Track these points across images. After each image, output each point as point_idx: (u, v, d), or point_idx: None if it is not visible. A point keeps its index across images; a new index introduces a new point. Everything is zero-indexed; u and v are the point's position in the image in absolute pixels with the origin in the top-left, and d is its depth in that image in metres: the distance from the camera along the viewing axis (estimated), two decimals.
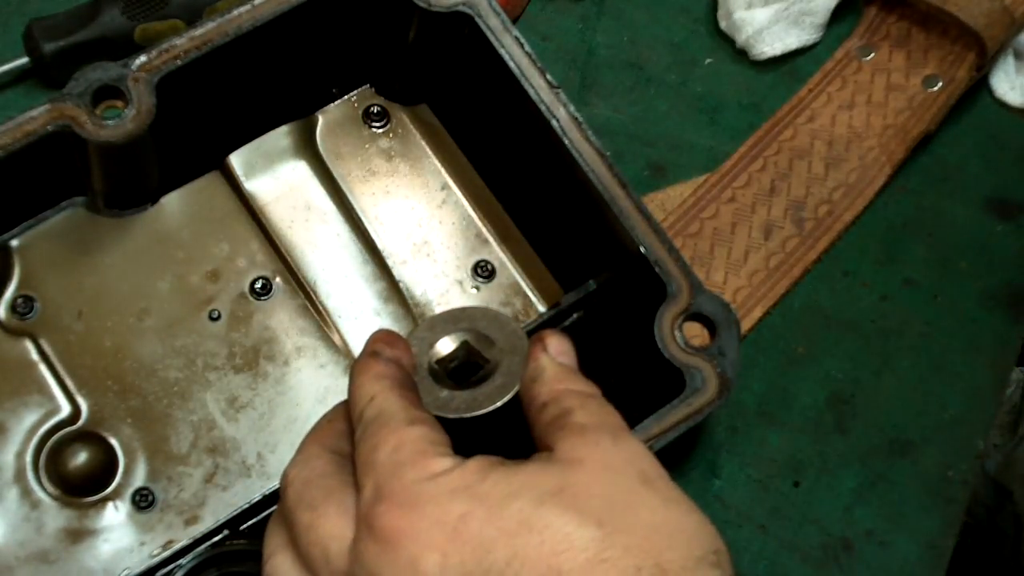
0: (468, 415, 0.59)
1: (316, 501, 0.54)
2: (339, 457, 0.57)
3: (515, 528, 0.50)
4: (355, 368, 0.59)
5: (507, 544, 0.50)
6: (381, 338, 0.61)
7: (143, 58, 0.70)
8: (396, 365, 0.59)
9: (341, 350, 0.77)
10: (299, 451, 0.58)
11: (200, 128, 0.76)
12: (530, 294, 0.80)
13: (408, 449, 0.53)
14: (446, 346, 0.62)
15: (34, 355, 0.74)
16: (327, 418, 0.60)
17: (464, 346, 0.62)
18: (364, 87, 0.82)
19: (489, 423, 0.59)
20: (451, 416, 0.59)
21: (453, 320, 0.63)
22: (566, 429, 0.55)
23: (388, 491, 0.52)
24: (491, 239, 0.80)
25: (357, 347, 0.77)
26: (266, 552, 0.57)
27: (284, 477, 0.57)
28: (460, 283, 0.79)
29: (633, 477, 0.53)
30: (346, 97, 0.82)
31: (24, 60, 0.84)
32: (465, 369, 0.62)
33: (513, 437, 0.58)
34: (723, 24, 0.92)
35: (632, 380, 0.71)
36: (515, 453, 0.56)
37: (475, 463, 0.53)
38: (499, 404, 0.59)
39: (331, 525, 0.53)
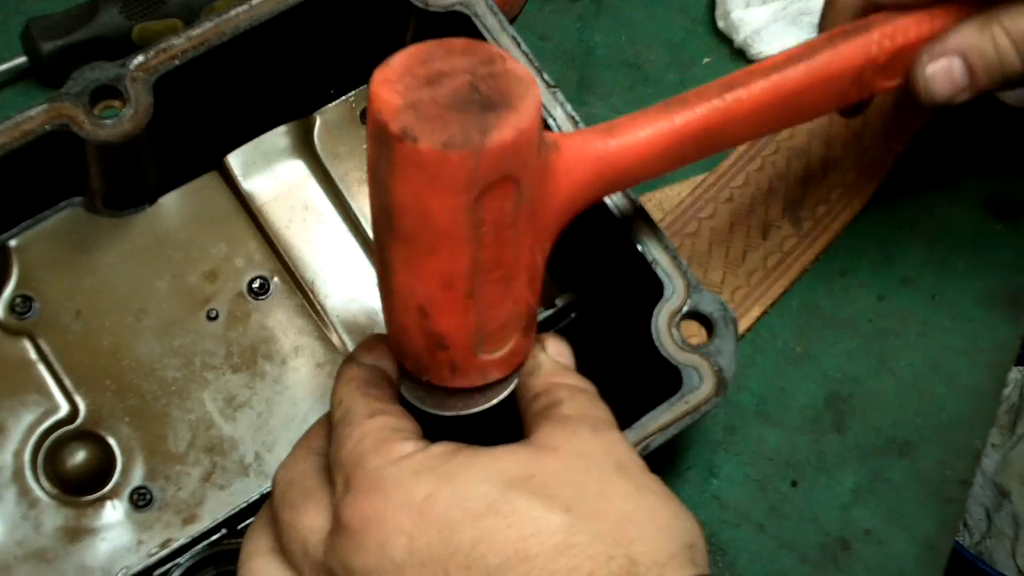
0: (464, 413, 0.59)
1: (296, 500, 0.55)
2: (324, 458, 0.58)
3: (482, 511, 0.50)
4: (336, 375, 0.60)
5: (473, 526, 0.50)
6: (363, 343, 0.62)
7: (141, 58, 0.70)
8: (369, 368, 0.60)
9: (339, 349, 0.77)
10: (289, 454, 0.60)
11: (198, 128, 0.76)
12: None
13: (370, 439, 0.54)
14: None
15: (32, 354, 0.74)
16: (319, 421, 0.62)
17: None
18: (362, 87, 0.82)
19: (485, 421, 0.59)
20: (447, 414, 0.59)
21: None
22: (550, 419, 0.56)
23: (354, 482, 0.53)
24: None
25: (354, 346, 0.77)
26: (244, 554, 0.58)
27: (273, 479, 0.58)
28: None
29: (608, 465, 0.53)
30: (344, 97, 0.82)
31: (22, 59, 0.85)
32: None
33: (509, 437, 0.58)
34: (721, 24, 0.92)
35: (629, 379, 0.71)
36: None
37: (440, 445, 0.54)
38: (495, 402, 0.59)
39: (308, 520, 0.54)
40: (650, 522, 0.52)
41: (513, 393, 0.60)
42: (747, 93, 0.63)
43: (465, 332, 0.56)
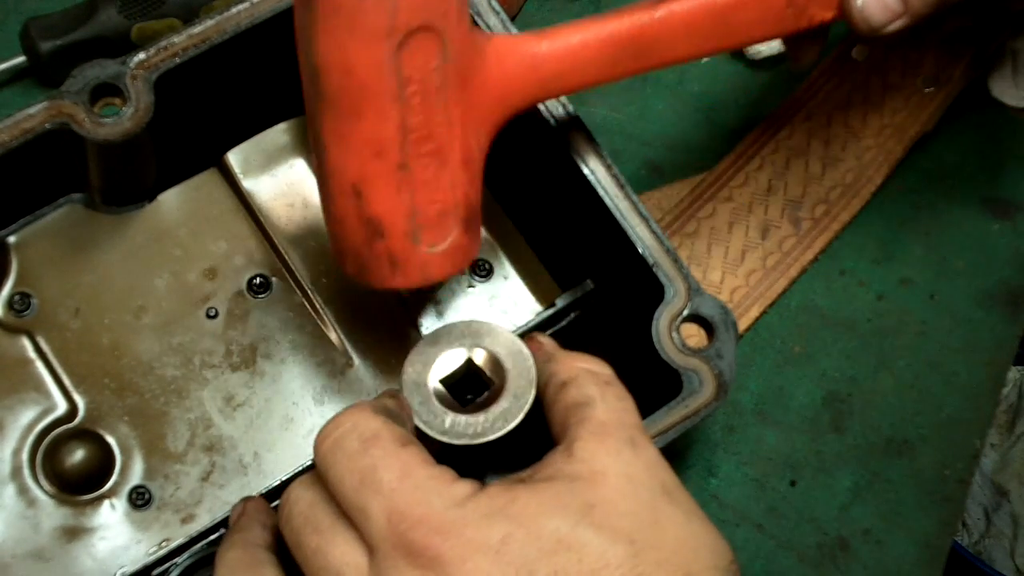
0: (474, 442, 0.59)
1: (323, 526, 0.54)
2: None
3: (554, 547, 0.51)
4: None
5: (548, 563, 0.51)
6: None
7: (141, 56, 0.70)
8: (376, 401, 0.59)
9: (338, 348, 0.77)
10: (305, 475, 0.58)
11: (198, 125, 0.76)
12: (528, 293, 0.80)
13: (421, 474, 0.53)
14: (449, 364, 0.62)
15: (31, 352, 0.74)
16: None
17: (468, 364, 0.62)
18: None
19: (491, 447, 0.59)
20: (456, 443, 0.59)
21: (458, 336, 0.62)
22: (585, 425, 0.56)
23: (419, 517, 0.52)
24: (489, 238, 0.80)
25: (355, 345, 0.77)
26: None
27: (288, 494, 0.57)
28: (457, 281, 0.79)
29: (655, 490, 0.54)
30: None
31: (21, 59, 0.85)
32: (468, 386, 0.62)
33: (510, 458, 0.58)
34: None
35: (629, 381, 0.71)
36: (510, 470, 0.56)
37: (496, 487, 0.54)
38: (505, 431, 0.59)
39: (341, 551, 0.53)
40: (701, 546, 0.54)
41: (526, 417, 0.59)
42: (679, 6, 0.64)
43: (400, 213, 0.56)
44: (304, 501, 0.56)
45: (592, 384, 0.58)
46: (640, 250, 0.69)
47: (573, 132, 0.72)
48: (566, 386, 0.58)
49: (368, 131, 0.54)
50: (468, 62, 0.57)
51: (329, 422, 0.56)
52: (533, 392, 0.60)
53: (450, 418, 0.59)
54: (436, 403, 0.60)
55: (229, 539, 0.60)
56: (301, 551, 0.55)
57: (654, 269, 0.69)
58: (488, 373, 0.61)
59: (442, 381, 0.61)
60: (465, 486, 0.53)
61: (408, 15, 0.52)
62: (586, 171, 0.71)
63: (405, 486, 0.53)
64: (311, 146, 0.59)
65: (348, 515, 0.54)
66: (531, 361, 0.61)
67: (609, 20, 0.64)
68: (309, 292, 0.78)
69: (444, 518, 0.52)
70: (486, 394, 0.60)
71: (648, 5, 0.64)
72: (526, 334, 0.64)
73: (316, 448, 0.56)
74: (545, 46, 0.62)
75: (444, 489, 0.53)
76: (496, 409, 0.59)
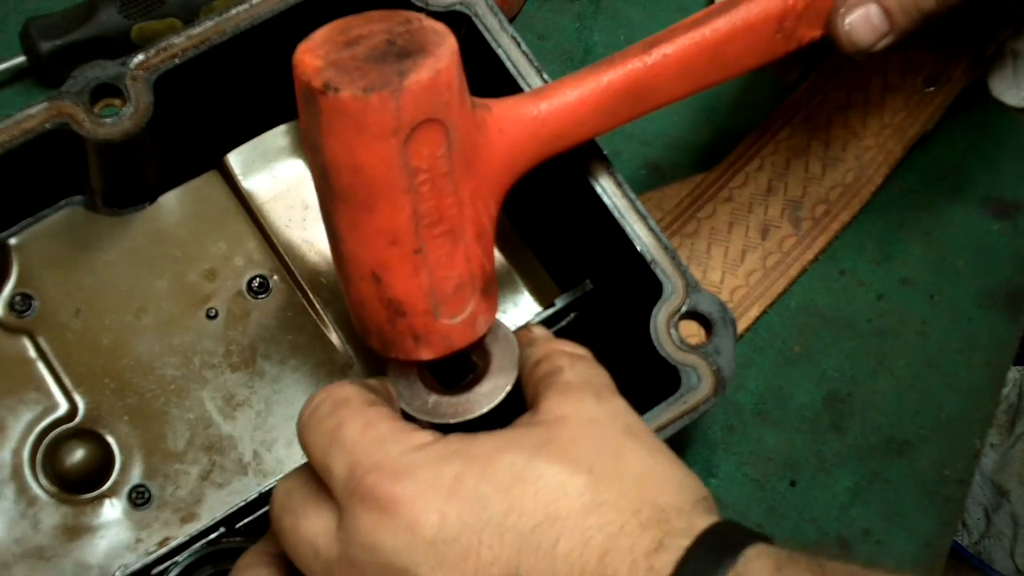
0: (453, 421, 0.59)
1: (295, 505, 0.55)
2: None
3: (509, 481, 0.51)
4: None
5: (503, 497, 0.51)
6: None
7: (141, 56, 0.70)
8: (360, 381, 0.60)
9: (338, 348, 0.77)
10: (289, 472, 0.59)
11: (198, 127, 0.76)
12: (527, 293, 0.80)
13: (383, 427, 0.54)
14: None
15: (32, 352, 0.75)
16: None
17: None
18: None
19: (475, 426, 0.59)
20: (437, 421, 0.59)
21: None
22: (553, 387, 0.57)
23: (374, 464, 0.52)
24: None
25: (355, 345, 0.77)
26: (237, 565, 0.59)
27: (272, 491, 0.58)
28: None
29: (618, 429, 0.54)
30: None
31: (21, 59, 0.85)
32: (454, 369, 0.62)
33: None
34: None
35: (628, 379, 0.71)
36: None
37: (456, 434, 0.54)
38: (484, 411, 0.60)
39: (312, 523, 0.54)
40: (667, 480, 0.53)
41: (504, 401, 0.60)
42: (671, 48, 0.65)
43: (420, 293, 0.57)
44: (281, 491, 0.57)
45: (563, 358, 0.59)
46: (638, 248, 0.69)
47: None
48: (539, 363, 0.59)
49: (382, 222, 0.55)
50: (472, 141, 0.58)
51: (309, 398, 0.57)
52: (514, 374, 0.60)
53: (433, 398, 0.60)
54: (420, 385, 0.61)
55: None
56: (281, 536, 0.56)
57: (652, 266, 0.69)
58: (473, 356, 0.61)
59: (428, 364, 0.61)
60: (425, 435, 0.54)
61: (412, 112, 0.53)
62: (585, 171, 0.71)
63: (366, 438, 0.53)
64: (327, 234, 0.59)
65: (321, 480, 0.55)
66: (515, 344, 0.61)
67: (603, 71, 0.64)
68: (309, 292, 0.78)
69: (399, 463, 0.52)
70: (470, 376, 0.61)
71: (640, 51, 0.65)
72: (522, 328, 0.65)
73: (297, 422, 0.57)
74: (544, 107, 0.62)
75: (403, 437, 0.53)
76: (478, 390, 0.60)
